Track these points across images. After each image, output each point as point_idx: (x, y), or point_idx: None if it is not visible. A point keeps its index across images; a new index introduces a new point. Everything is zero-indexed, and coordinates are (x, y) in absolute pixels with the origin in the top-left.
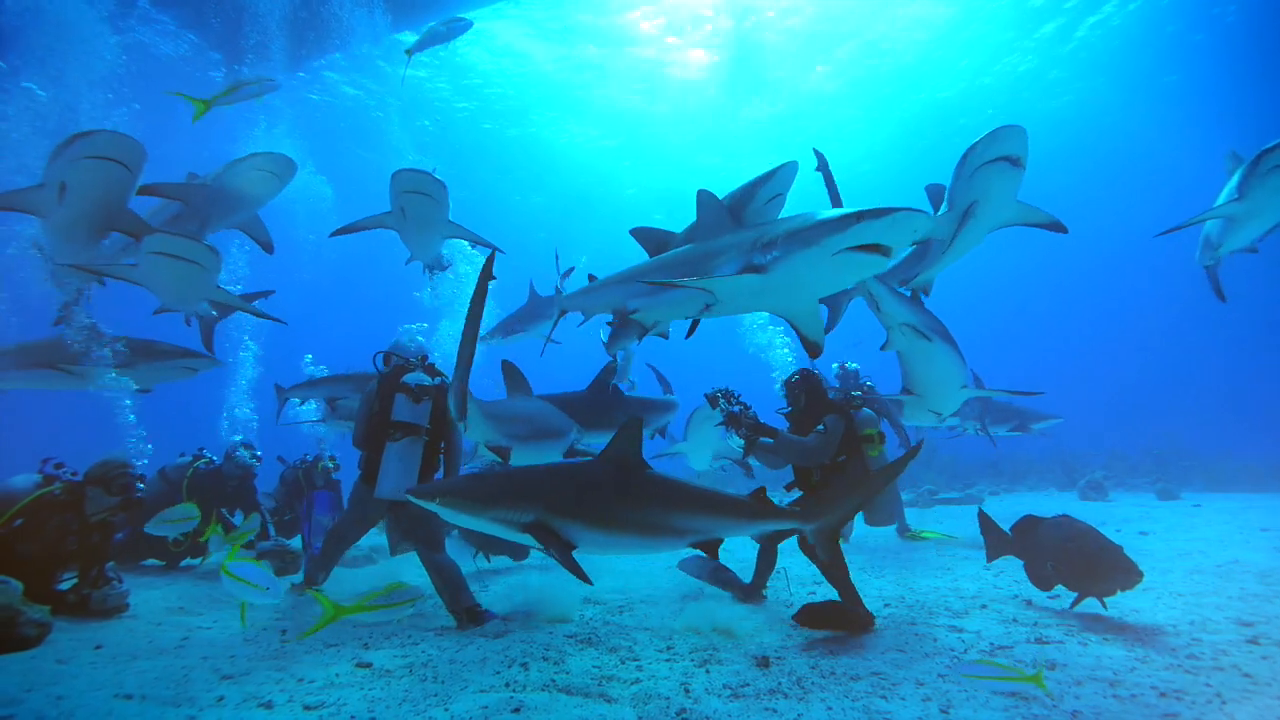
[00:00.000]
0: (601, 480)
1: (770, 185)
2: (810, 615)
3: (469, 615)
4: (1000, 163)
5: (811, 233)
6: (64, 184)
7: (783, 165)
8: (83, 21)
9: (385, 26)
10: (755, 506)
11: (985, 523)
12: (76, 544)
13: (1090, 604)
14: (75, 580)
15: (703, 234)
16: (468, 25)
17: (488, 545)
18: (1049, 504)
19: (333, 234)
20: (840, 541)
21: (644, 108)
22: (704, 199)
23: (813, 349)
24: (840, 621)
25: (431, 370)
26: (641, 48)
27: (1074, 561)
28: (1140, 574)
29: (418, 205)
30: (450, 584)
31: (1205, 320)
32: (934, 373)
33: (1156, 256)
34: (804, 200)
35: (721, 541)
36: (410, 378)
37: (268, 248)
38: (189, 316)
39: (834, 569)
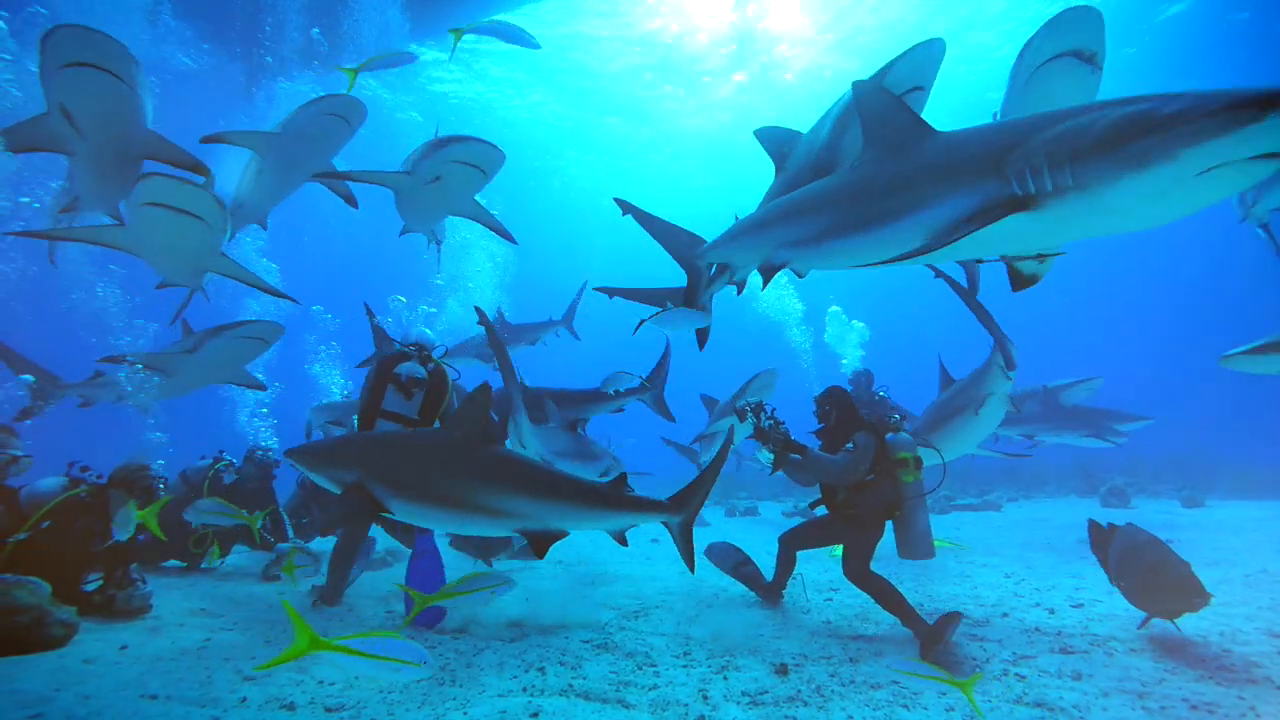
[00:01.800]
0: (432, 451)
1: (898, 74)
2: (931, 648)
3: None
4: (1066, 59)
5: (1164, 134)
6: (63, 105)
7: (918, 45)
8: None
9: (405, 37)
10: (608, 496)
11: (1102, 537)
12: (101, 545)
13: (1101, 611)
14: (100, 581)
15: (874, 146)
16: (535, 46)
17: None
18: (1070, 511)
19: (324, 176)
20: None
21: (638, 133)
22: (868, 92)
23: (1030, 281)
24: (938, 628)
25: (426, 359)
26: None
27: (1133, 576)
28: (1206, 596)
29: (462, 179)
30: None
31: (1229, 322)
32: (981, 435)
33: (1178, 254)
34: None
35: (558, 535)
36: (403, 368)
37: (350, 200)
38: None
39: (689, 555)
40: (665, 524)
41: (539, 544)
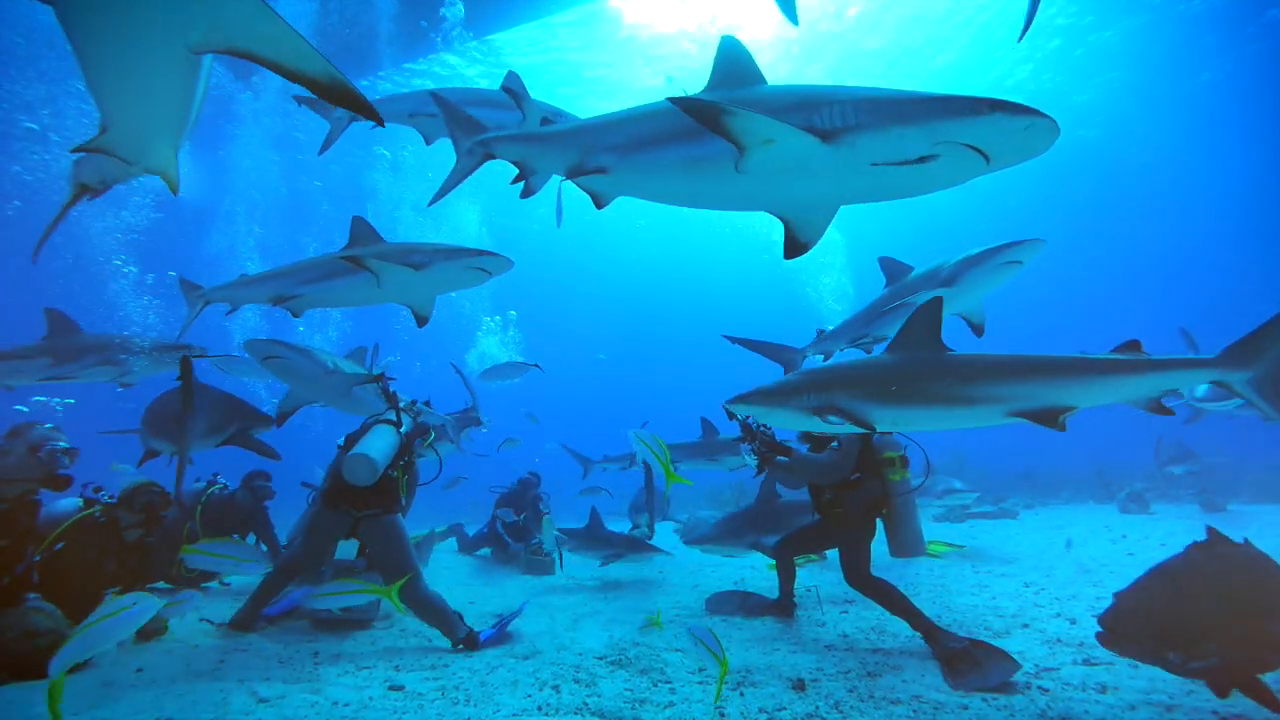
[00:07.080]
0: None
1: None
2: (958, 671)
3: (466, 644)
4: None
5: None
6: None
7: None
8: None
9: (453, 33)
10: None
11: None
12: (115, 565)
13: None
14: None
15: None
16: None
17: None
18: (1088, 517)
19: (680, 102)
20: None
21: None
22: None
23: None
24: (963, 652)
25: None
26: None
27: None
28: None
29: (907, 184)
30: (439, 617)
31: (1247, 319)
32: None
33: (1190, 252)
34: None
35: None
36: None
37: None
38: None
39: None
40: None
41: None
